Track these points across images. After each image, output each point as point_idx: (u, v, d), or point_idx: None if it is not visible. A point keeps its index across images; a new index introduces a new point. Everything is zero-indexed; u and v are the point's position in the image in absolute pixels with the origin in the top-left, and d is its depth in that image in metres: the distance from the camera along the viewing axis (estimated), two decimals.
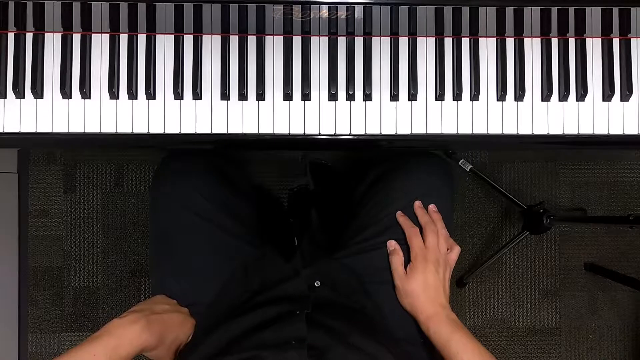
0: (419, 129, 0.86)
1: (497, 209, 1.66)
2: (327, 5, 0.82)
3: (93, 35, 0.84)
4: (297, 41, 0.85)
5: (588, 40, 0.87)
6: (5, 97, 0.83)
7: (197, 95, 0.84)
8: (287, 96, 0.84)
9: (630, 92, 0.87)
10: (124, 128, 0.84)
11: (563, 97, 0.86)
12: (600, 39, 0.87)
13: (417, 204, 0.91)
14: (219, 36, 0.84)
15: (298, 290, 0.85)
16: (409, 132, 0.86)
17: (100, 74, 0.84)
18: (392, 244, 0.89)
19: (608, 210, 1.66)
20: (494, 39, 0.87)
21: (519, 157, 1.65)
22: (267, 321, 0.79)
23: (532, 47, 0.87)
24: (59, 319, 1.61)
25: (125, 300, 1.61)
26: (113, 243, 1.61)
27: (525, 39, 0.86)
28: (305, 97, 0.84)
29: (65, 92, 0.83)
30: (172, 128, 0.84)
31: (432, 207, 0.91)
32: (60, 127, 0.83)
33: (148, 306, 0.81)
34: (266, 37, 0.85)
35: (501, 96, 0.86)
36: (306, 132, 0.85)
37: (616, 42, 0.87)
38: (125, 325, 0.75)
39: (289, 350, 0.72)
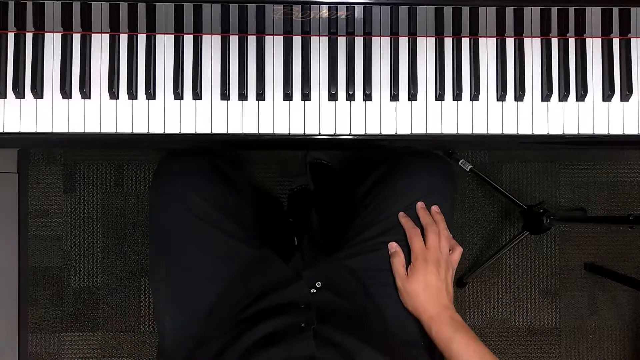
0: (419, 129, 0.86)
1: (497, 209, 1.66)
2: (327, 5, 0.82)
3: (93, 35, 0.84)
4: (297, 41, 0.85)
5: (588, 40, 0.87)
6: (5, 97, 0.83)
7: (197, 95, 0.84)
8: (287, 96, 0.84)
9: (630, 92, 0.87)
10: (124, 128, 0.84)
11: (563, 97, 0.86)
12: (600, 39, 0.87)
13: (420, 204, 0.91)
14: (219, 36, 0.84)
15: (300, 295, 0.85)
16: (409, 132, 0.86)
17: (100, 74, 0.84)
18: (393, 246, 0.89)
19: (608, 210, 1.66)
20: (494, 39, 0.87)
21: (519, 157, 1.65)
22: (274, 335, 0.78)
23: (532, 47, 0.87)
24: (59, 319, 1.61)
25: (125, 300, 1.61)
26: (113, 243, 1.61)
27: (525, 39, 0.86)
28: (305, 97, 0.84)
29: (65, 92, 0.83)
30: (172, 128, 0.84)
31: (434, 208, 0.91)
32: (60, 127, 0.83)
33: None
34: (266, 37, 0.85)
35: (501, 96, 0.86)
36: (306, 132, 0.85)
37: (616, 42, 0.87)
38: None
39: None
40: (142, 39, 0.84)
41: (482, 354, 0.80)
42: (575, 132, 0.87)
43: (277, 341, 0.77)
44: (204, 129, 0.84)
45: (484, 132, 0.86)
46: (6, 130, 0.83)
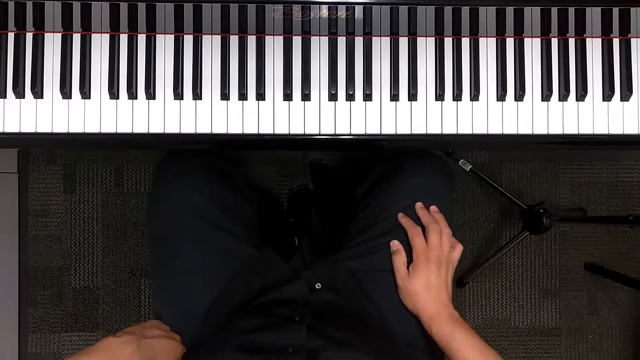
0: (419, 129, 0.86)
1: (497, 209, 1.66)
2: (327, 5, 0.82)
3: (93, 35, 0.84)
4: (297, 41, 0.85)
5: (588, 40, 0.87)
6: (5, 97, 0.83)
7: (197, 95, 0.84)
8: (287, 96, 0.84)
9: (630, 92, 0.87)
10: (124, 128, 0.84)
11: (563, 97, 0.86)
12: (600, 39, 0.87)
13: (419, 205, 0.91)
14: (219, 36, 0.84)
15: (299, 293, 0.85)
16: (409, 132, 0.86)
17: (100, 74, 0.84)
18: (395, 244, 0.89)
19: (608, 210, 1.66)
20: (494, 39, 0.87)
21: (519, 157, 1.65)
22: (268, 322, 0.79)
23: (532, 47, 0.87)
24: (59, 319, 1.61)
25: (125, 300, 1.61)
26: (113, 243, 1.61)
27: (525, 39, 0.86)
28: (305, 97, 0.84)
29: (65, 92, 0.83)
30: (172, 128, 0.84)
31: (433, 208, 0.91)
32: (60, 127, 0.83)
33: (140, 329, 0.81)
34: (266, 37, 0.85)
35: (501, 96, 0.86)
36: (306, 132, 0.85)
37: (616, 42, 0.87)
38: (120, 345, 0.76)
39: (287, 357, 0.72)
40: (142, 39, 0.84)
41: (480, 349, 0.80)
42: (575, 132, 0.87)
43: (270, 327, 0.78)
44: (204, 129, 0.84)
45: (484, 132, 0.86)
46: (6, 130, 0.83)
